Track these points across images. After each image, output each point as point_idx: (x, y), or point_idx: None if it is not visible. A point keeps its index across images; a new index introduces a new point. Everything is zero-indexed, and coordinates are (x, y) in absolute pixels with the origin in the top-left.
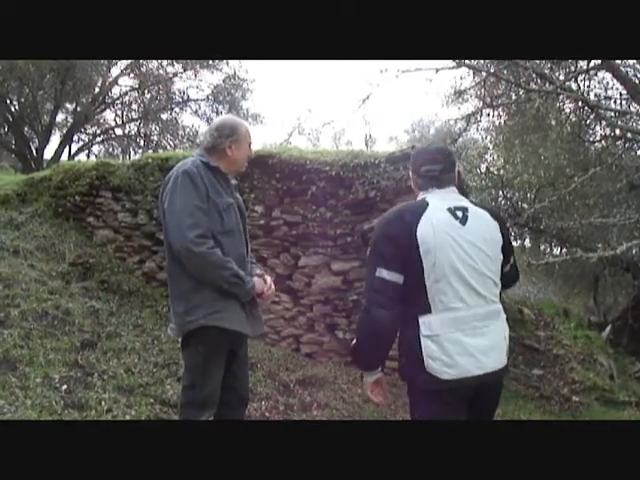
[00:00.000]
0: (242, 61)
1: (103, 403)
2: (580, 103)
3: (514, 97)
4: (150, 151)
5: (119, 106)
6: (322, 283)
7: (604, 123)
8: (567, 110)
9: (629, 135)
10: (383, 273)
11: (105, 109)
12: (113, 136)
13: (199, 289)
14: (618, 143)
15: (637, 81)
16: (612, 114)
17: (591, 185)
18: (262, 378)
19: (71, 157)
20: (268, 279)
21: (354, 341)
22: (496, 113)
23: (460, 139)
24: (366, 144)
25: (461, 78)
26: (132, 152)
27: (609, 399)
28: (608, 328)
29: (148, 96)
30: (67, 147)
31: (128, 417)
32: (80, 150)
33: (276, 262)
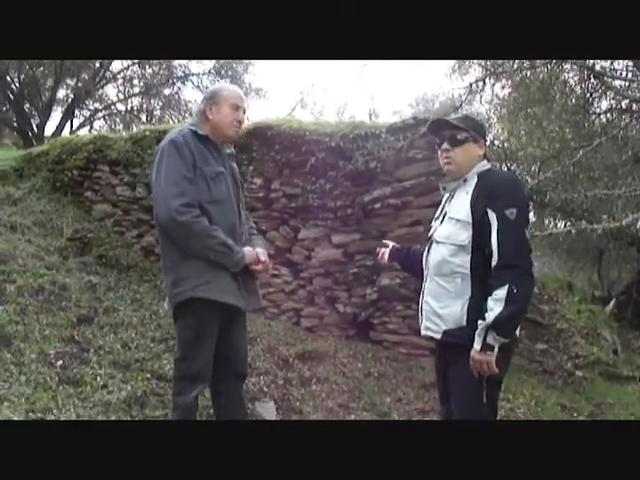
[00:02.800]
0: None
1: (99, 379)
2: (586, 74)
3: (517, 66)
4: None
5: (120, 81)
6: (322, 256)
7: (609, 95)
8: (572, 82)
9: (635, 107)
10: (527, 235)
11: (106, 84)
12: (115, 112)
13: (187, 260)
14: (624, 116)
15: None
16: (618, 84)
17: (596, 158)
18: (261, 353)
19: (72, 133)
20: (262, 251)
21: (510, 309)
22: (499, 84)
23: (463, 111)
24: (370, 118)
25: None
26: (134, 128)
27: (613, 374)
28: (612, 302)
29: (149, 71)
30: (68, 123)
31: (124, 393)
32: (81, 126)
33: (275, 235)
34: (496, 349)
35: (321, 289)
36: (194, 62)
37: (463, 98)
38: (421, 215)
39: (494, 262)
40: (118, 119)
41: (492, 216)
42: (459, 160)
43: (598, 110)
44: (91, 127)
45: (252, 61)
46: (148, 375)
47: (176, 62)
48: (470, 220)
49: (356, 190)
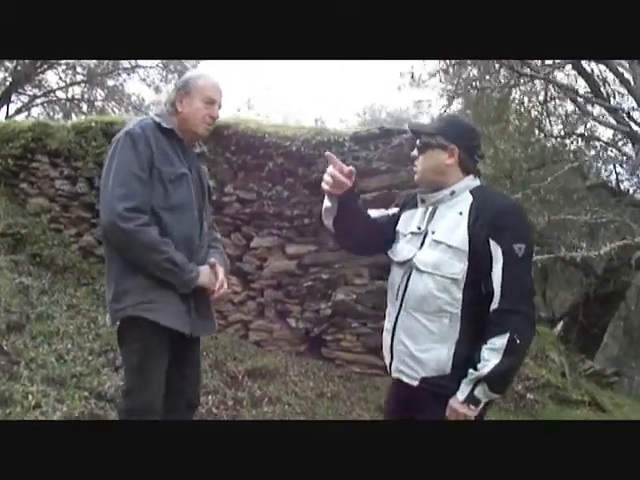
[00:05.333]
0: None
1: (30, 397)
2: (540, 97)
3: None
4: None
5: (63, 68)
6: (275, 267)
7: (562, 119)
8: (527, 104)
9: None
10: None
11: (47, 70)
12: (55, 99)
13: (131, 273)
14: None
15: (601, 83)
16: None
17: (556, 183)
18: (208, 368)
19: (8, 118)
20: (220, 272)
21: (509, 362)
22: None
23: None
24: (316, 124)
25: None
26: (74, 117)
27: (563, 397)
28: (560, 324)
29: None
30: (5, 108)
31: (58, 414)
32: (18, 111)
33: (226, 242)
34: (482, 404)
35: (272, 302)
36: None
37: (411, 113)
38: None
39: (495, 305)
40: (58, 107)
41: (496, 250)
42: (420, 168)
43: (555, 133)
44: (29, 114)
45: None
46: (86, 393)
47: None
48: (467, 249)
49: (315, 199)
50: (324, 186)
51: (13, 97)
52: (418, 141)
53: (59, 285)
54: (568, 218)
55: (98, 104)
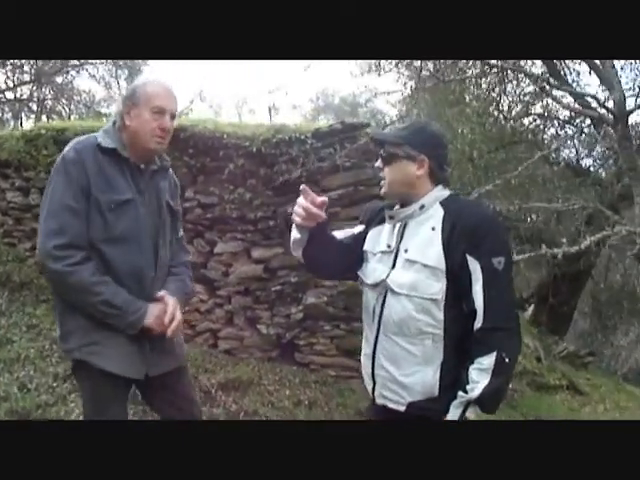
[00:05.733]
0: None
1: None
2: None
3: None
4: (44, 117)
5: (9, 67)
6: (241, 272)
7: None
8: (484, 86)
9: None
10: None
11: None
12: (3, 100)
13: (72, 312)
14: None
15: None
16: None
17: (526, 170)
18: None
19: None
20: (170, 303)
21: (498, 382)
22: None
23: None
24: (269, 113)
25: None
26: (24, 118)
27: (540, 384)
28: (531, 308)
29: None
30: None
31: None
32: None
33: (189, 248)
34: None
35: (240, 308)
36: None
37: (364, 98)
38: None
39: (478, 323)
40: (7, 108)
41: (474, 265)
42: (387, 180)
43: (509, 115)
44: None
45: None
46: None
47: None
48: (443, 267)
49: (279, 200)
50: (295, 219)
51: None
52: (382, 151)
53: (17, 304)
54: (539, 206)
55: (48, 102)
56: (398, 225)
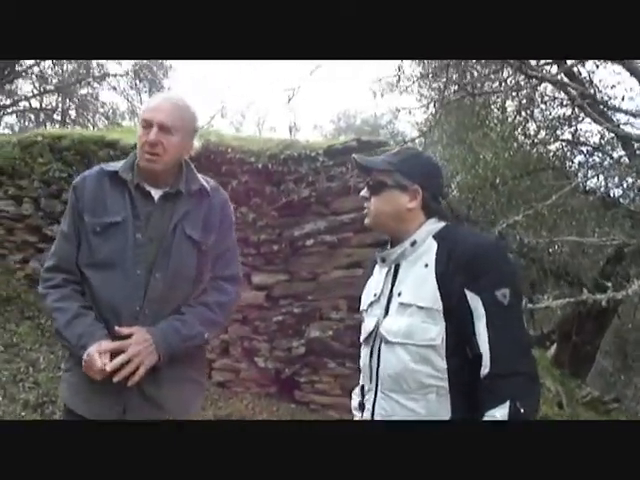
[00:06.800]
0: None
1: None
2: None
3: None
4: (68, 127)
5: (35, 77)
6: (241, 299)
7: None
8: (509, 109)
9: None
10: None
11: (15, 78)
12: (27, 108)
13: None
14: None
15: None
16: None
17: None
18: None
19: None
20: (133, 341)
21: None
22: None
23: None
24: (290, 132)
25: (399, 70)
26: (49, 127)
27: None
28: (554, 347)
29: (65, 68)
30: None
31: None
32: None
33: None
34: None
35: (237, 338)
36: (112, 62)
37: (386, 120)
38: (361, 256)
39: (485, 369)
40: (32, 116)
41: (475, 301)
42: (373, 213)
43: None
44: None
45: (173, 65)
46: None
47: (94, 61)
48: (440, 307)
49: (284, 222)
50: None
51: None
52: (369, 179)
53: (0, 320)
54: (572, 240)
55: (72, 113)
56: (391, 268)
